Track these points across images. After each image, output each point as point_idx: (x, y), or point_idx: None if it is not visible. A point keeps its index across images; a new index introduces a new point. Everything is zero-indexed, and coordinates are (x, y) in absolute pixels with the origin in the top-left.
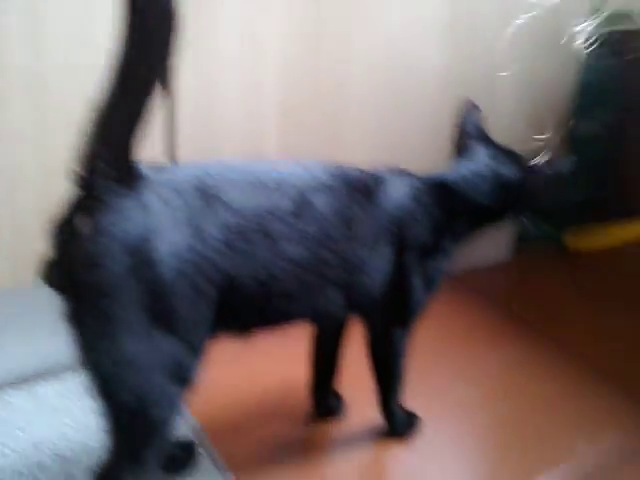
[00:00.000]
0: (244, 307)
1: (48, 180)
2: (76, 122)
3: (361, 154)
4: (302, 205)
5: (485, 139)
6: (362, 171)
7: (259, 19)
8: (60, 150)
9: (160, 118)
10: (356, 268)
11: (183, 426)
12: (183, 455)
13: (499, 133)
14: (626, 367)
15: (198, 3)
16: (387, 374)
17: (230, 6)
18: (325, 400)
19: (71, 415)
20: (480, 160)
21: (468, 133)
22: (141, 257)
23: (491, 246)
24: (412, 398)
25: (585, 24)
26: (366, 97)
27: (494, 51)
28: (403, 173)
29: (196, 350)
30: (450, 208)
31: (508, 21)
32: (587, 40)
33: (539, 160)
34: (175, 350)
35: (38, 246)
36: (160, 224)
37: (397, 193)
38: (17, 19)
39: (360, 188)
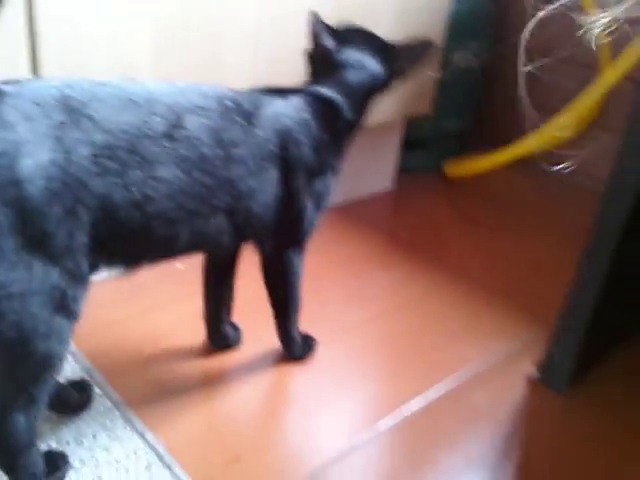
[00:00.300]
0: (123, 232)
1: None
2: None
3: (240, 76)
4: (175, 126)
5: (344, 40)
6: (239, 93)
7: None
8: None
9: (21, 34)
10: (240, 193)
11: (75, 366)
12: (78, 395)
13: None
14: (504, 281)
15: None
16: (283, 298)
17: None
18: (221, 331)
19: None
20: (350, 68)
21: (326, 46)
22: (5, 176)
23: (374, 177)
24: (306, 322)
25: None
26: (243, 18)
27: None
28: (282, 92)
29: (78, 279)
30: (331, 124)
31: None
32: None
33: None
34: (55, 278)
35: None
36: (23, 140)
37: (277, 114)
38: None
39: (238, 110)
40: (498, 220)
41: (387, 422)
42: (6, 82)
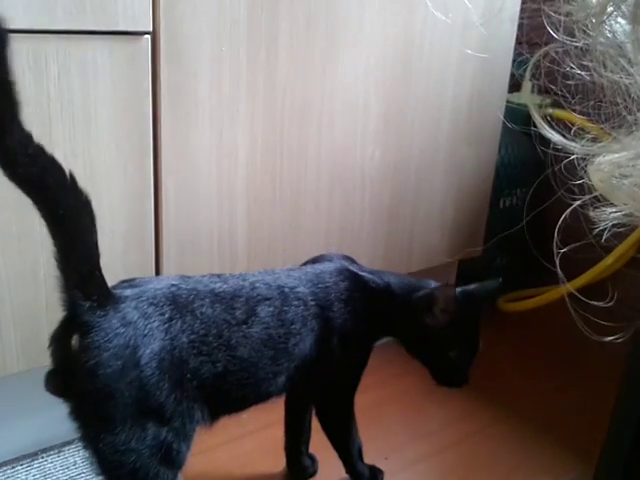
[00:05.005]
0: (210, 396)
1: None
2: None
3: (318, 239)
4: (250, 315)
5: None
6: (296, 276)
7: (227, 135)
8: None
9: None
10: (294, 356)
11: None
12: None
13: (430, 219)
14: (553, 418)
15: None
16: (338, 440)
17: (201, 122)
18: (300, 463)
19: None
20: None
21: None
22: (129, 362)
23: None
24: (373, 454)
25: None
26: (320, 191)
27: (425, 147)
28: (334, 271)
29: (182, 436)
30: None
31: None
32: None
33: None
34: (163, 436)
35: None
36: (141, 334)
37: (322, 295)
38: None
39: (294, 295)
40: (549, 355)
41: None
42: (126, 281)
